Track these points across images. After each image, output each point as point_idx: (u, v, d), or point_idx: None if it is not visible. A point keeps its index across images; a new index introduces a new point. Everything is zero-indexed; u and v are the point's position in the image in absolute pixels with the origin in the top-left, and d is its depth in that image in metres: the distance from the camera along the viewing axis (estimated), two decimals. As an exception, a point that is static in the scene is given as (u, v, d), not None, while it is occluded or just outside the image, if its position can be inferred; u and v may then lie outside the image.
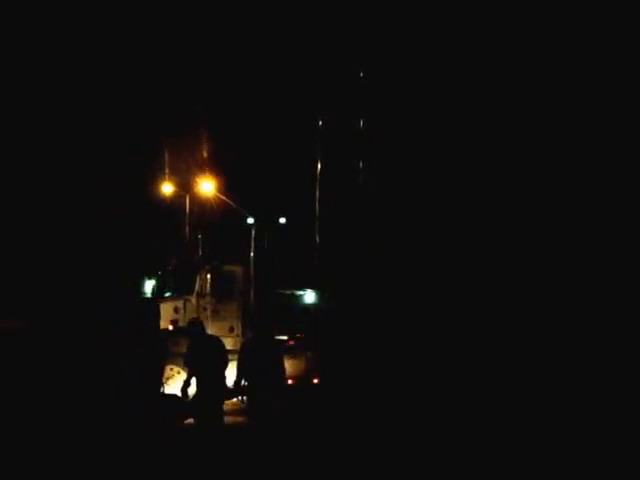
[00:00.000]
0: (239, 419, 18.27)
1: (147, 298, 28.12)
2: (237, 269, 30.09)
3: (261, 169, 30.20)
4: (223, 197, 27.83)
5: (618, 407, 18.60)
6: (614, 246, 21.36)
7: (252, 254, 30.26)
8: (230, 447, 16.46)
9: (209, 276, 29.74)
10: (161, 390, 18.66)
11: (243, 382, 17.37)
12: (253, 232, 30.13)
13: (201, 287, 29.58)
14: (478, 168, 22.44)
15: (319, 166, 24.92)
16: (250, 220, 28.71)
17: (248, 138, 30.30)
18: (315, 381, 25.56)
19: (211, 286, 29.71)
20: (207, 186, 28.83)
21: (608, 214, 21.38)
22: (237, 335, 28.88)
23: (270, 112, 29.22)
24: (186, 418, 17.43)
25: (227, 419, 18.96)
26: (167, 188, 30.19)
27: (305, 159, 24.57)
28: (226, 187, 29.21)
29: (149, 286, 28.93)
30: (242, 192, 29.32)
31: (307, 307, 26.18)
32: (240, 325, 29.87)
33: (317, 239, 25.02)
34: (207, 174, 29.02)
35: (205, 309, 29.56)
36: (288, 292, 24.38)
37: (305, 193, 24.30)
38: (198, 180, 29.15)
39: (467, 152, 22.52)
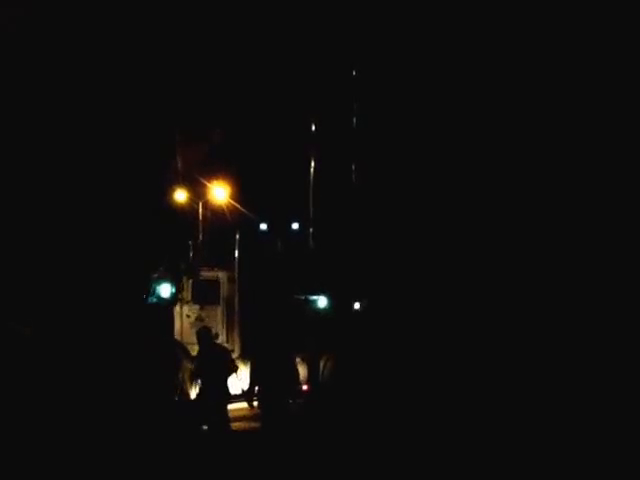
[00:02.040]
0: (253, 424, 17.92)
1: (158, 303, 27.63)
2: (221, 275, 29.75)
3: (271, 175, 29.93)
4: (234, 203, 27.51)
5: (618, 407, 18.54)
6: (614, 246, 21.30)
7: (237, 259, 29.86)
8: (243, 452, 16.23)
9: (190, 282, 29.40)
10: (175, 396, 18.33)
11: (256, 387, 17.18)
12: (237, 237, 29.78)
13: (183, 294, 29.25)
14: (478, 168, 22.34)
15: (312, 169, 24.62)
16: (263, 226, 28.44)
17: (254, 144, 30.06)
18: (305, 388, 25.25)
19: (193, 292, 29.35)
20: (219, 192, 28.49)
21: (608, 214, 21.34)
22: (222, 342, 28.40)
23: (270, 115, 29.01)
24: (200, 424, 17.10)
25: (240, 425, 18.77)
26: (180, 195, 29.77)
27: (308, 163, 24.29)
28: (238, 193, 28.90)
29: (163, 291, 28.45)
30: (255, 198, 29.03)
31: (320, 312, 25.89)
32: (225, 331, 29.54)
33: (311, 244, 24.70)
34: (218, 180, 28.68)
35: (188, 316, 29.21)
36: (302, 297, 24.10)
37: (316, 198, 23.99)
38: (209, 186, 28.76)
39: (468, 152, 22.39)
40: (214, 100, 28.60)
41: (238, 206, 28.56)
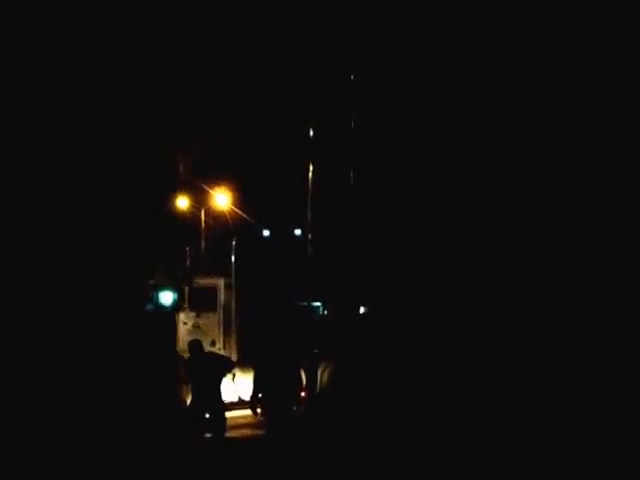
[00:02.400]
0: (256, 432, 17.76)
1: (161, 311, 27.52)
2: (218, 282, 29.65)
3: (273, 181, 29.88)
4: (235, 209, 27.43)
5: (618, 407, 18.44)
6: (614, 247, 21.23)
7: (233, 266, 29.79)
8: (248, 460, 16.10)
9: (187, 290, 29.28)
10: (176, 404, 18.19)
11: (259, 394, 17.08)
12: (234, 243, 29.68)
13: (181, 301, 29.15)
14: (478, 171, 22.26)
15: (310, 175, 24.52)
16: (266, 232, 28.41)
17: (255, 150, 29.98)
18: (302, 394, 25.03)
19: (190, 299, 29.23)
20: (220, 199, 28.42)
21: (608, 214, 21.27)
22: (219, 349, 28.30)
23: (271, 121, 28.94)
24: (203, 432, 16.95)
25: (244, 432, 18.60)
26: (179, 202, 29.72)
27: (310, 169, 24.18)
28: (239, 199, 28.83)
29: (165, 299, 28.35)
30: (258, 205, 28.97)
31: (320, 318, 25.77)
32: (222, 338, 29.44)
33: (309, 250, 24.58)
34: (218, 186, 28.59)
35: (185, 323, 29.11)
36: (304, 304, 24.00)
37: (317, 204, 23.88)
38: (209, 192, 28.69)
39: (467, 155, 22.32)
40: (214, 106, 28.56)
41: (240, 212, 28.49)
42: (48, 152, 23.63)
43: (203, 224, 29.51)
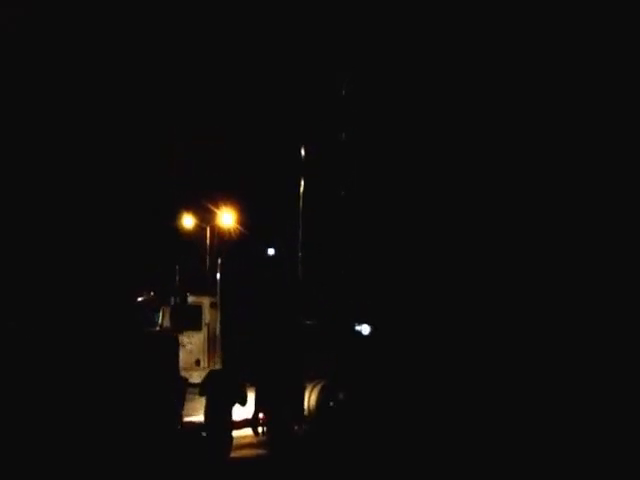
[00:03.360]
0: (259, 452, 17.47)
1: (163, 331, 27.21)
2: (204, 301, 29.43)
3: (276, 198, 29.61)
4: (240, 228, 27.20)
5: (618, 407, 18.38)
6: (614, 247, 21.18)
7: (218, 284, 29.50)
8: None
9: (170, 309, 28.95)
10: (179, 424, 17.93)
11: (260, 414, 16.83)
12: (219, 261, 29.44)
13: (164, 320, 28.82)
14: (475, 183, 22.19)
15: (301, 193, 24.31)
16: (270, 251, 28.17)
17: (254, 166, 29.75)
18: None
19: (173, 319, 28.88)
20: (227, 218, 28.16)
21: (608, 214, 21.23)
22: (204, 368, 27.95)
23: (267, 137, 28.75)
24: (205, 452, 16.61)
25: (246, 452, 18.27)
26: (188, 221, 29.43)
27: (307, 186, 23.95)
28: (244, 217, 28.58)
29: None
30: (260, 222, 28.75)
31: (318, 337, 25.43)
32: (207, 357, 29.10)
33: (300, 270, 24.34)
34: (225, 205, 28.33)
35: (168, 342, 28.71)
36: (310, 322, 23.71)
37: (311, 222, 23.63)
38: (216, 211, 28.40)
39: (463, 168, 22.24)
40: (214, 112, 28.33)
41: (242, 230, 28.28)
42: (47, 154, 23.33)
43: (208, 241, 29.24)
